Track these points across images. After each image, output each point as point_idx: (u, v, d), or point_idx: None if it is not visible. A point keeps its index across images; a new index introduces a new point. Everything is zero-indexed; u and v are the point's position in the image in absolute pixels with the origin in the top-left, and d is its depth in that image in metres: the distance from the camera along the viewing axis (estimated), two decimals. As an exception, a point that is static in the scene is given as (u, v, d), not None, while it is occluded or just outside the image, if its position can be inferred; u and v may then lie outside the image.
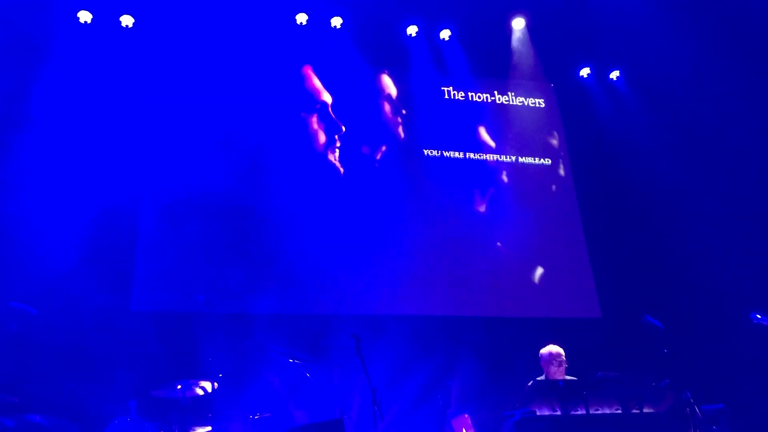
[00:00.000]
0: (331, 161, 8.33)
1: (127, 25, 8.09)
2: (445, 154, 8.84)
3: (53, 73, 7.61)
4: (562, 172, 9.24)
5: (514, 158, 9.09)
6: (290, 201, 7.98)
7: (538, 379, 6.36)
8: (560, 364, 6.28)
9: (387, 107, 8.85)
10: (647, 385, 5.15)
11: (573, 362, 6.50)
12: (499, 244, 8.53)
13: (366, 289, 7.85)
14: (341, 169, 8.32)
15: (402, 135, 8.78)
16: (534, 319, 8.08)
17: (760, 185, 8.28)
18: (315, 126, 8.44)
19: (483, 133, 9.14)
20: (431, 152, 8.81)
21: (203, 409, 5.84)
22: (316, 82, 8.64)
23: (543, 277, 8.50)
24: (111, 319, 6.86)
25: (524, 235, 8.66)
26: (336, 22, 8.70)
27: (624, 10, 8.50)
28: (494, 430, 5.86)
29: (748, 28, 8.30)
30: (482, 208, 8.69)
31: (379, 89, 8.91)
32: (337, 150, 8.38)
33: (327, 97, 8.57)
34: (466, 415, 6.28)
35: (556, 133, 9.47)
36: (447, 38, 9.16)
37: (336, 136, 8.41)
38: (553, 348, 6.40)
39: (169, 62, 8.16)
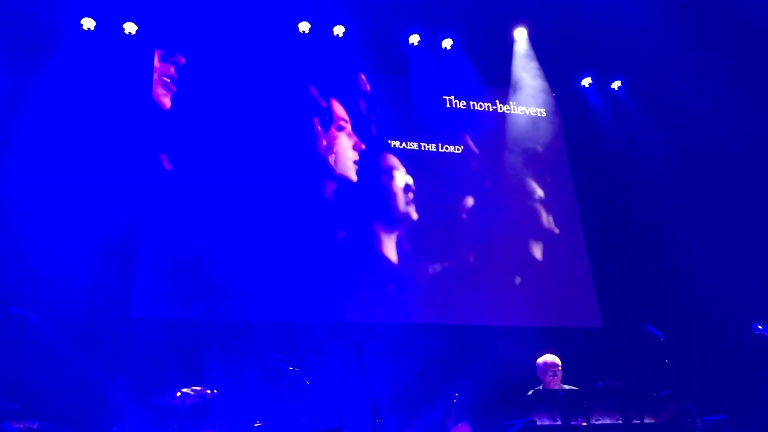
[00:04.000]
0: (329, 169, 8.33)
1: (130, 32, 8.12)
2: (446, 159, 8.85)
3: (56, 79, 7.63)
4: (563, 181, 9.24)
5: (515, 167, 9.09)
6: (292, 209, 7.98)
7: (538, 388, 6.35)
8: (555, 374, 6.29)
9: (363, 105, 8.85)
10: (648, 396, 5.14)
11: (574, 372, 6.49)
12: (498, 252, 8.54)
13: (367, 298, 7.84)
14: (355, 179, 8.33)
15: (396, 141, 8.79)
16: (535, 329, 8.05)
17: (762, 195, 8.28)
18: (315, 134, 8.44)
19: (484, 141, 9.14)
20: (432, 150, 8.82)
21: (202, 417, 5.83)
22: (317, 90, 8.65)
23: (544, 286, 8.48)
24: (110, 325, 6.85)
25: (525, 244, 8.66)
26: (338, 30, 8.73)
27: (625, 21, 8.52)
28: (494, 440, 5.84)
29: (749, 38, 8.32)
30: (482, 218, 8.68)
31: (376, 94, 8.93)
32: (356, 165, 8.38)
33: (326, 104, 8.58)
34: (466, 424, 6.26)
35: (557, 143, 9.48)
36: (449, 47, 9.19)
37: (332, 143, 8.42)
38: (548, 358, 6.40)
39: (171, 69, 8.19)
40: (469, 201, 8.73)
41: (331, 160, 8.36)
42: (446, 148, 8.89)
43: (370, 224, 8.21)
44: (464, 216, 8.64)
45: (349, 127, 8.55)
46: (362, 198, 8.29)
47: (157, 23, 8.17)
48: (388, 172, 8.55)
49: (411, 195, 8.48)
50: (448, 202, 8.65)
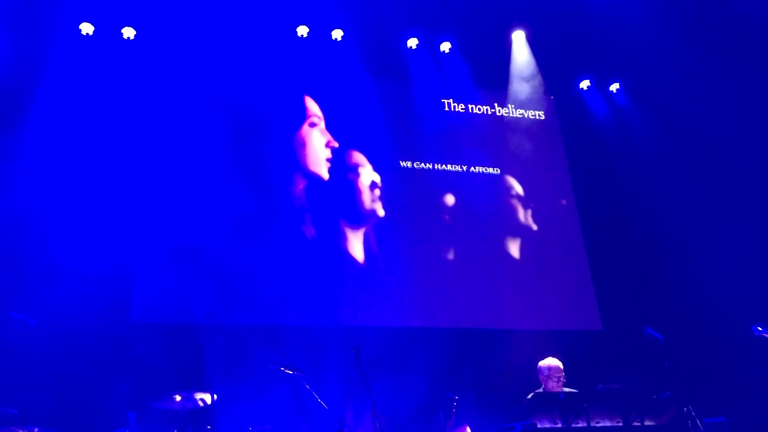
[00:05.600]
0: (323, 174, 8.30)
1: (128, 37, 8.13)
2: (446, 166, 8.86)
3: (55, 85, 7.63)
4: (562, 183, 9.24)
5: (514, 170, 9.10)
6: (291, 213, 7.98)
7: (538, 391, 6.33)
8: (559, 379, 6.26)
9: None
10: (648, 398, 5.14)
11: (574, 374, 6.48)
12: (499, 256, 8.54)
13: (367, 301, 7.84)
14: (327, 177, 8.28)
15: (399, 148, 8.80)
16: (535, 332, 8.05)
17: (761, 197, 8.28)
18: (313, 139, 8.43)
19: (483, 145, 9.14)
20: (433, 166, 8.83)
21: (202, 421, 5.82)
22: (315, 95, 8.65)
23: (544, 289, 8.48)
24: (110, 330, 6.84)
25: (526, 247, 8.66)
26: (337, 34, 8.74)
27: (624, 23, 8.54)
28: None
29: (747, 40, 8.32)
30: (483, 221, 8.68)
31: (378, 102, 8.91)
32: (328, 163, 8.35)
33: (323, 111, 8.57)
34: (467, 427, 6.26)
35: (556, 145, 9.49)
36: (447, 51, 9.21)
37: (327, 151, 8.39)
38: (552, 362, 6.36)
39: (170, 74, 8.19)
40: (450, 199, 8.69)
41: (301, 156, 8.33)
42: (442, 158, 8.91)
43: (336, 222, 8.19)
44: (468, 222, 8.62)
45: (322, 124, 8.50)
46: (332, 196, 8.24)
47: (156, 28, 8.18)
48: (354, 170, 8.48)
49: (378, 192, 8.41)
50: (453, 210, 8.64)
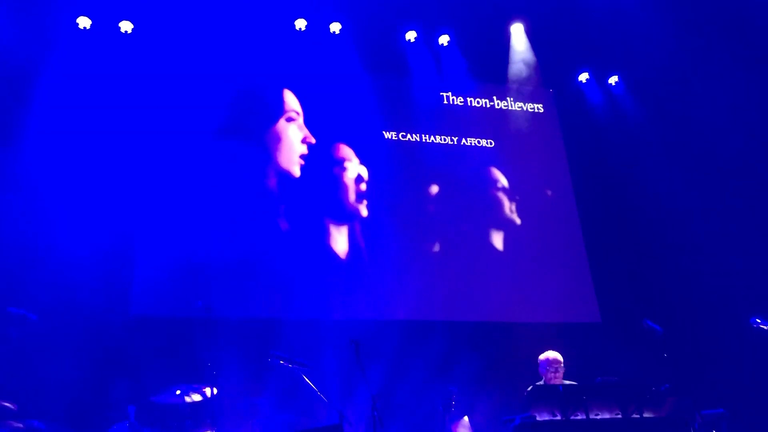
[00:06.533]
0: (294, 171, 8.25)
1: (126, 31, 8.10)
2: (444, 150, 8.87)
3: (52, 79, 7.61)
4: (560, 176, 9.24)
5: (513, 163, 9.09)
6: (287, 208, 7.98)
7: (538, 384, 6.35)
8: (557, 370, 6.27)
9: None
10: (647, 390, 5.15)
11: (573, 367, 6.50)
12: (497, 248, 8.55)
13: (365, 294, 7.84)
14: (298, 174, 8.23)
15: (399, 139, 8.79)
16: (534, 324, 8.07)
17: (760, 190, 8.29)
18: (289, 134, 8.37)
19: (481, 136, 9.14)
20: (420, 137, 8.83)
21: (202, 415, 5.83)
22: (307, 87, 8.60)
23: (542, 281, 8.48)
24: (110, 324, 6.85)
25: (524, 239, 8.67)
26: (335, 27, 8.72)
27: (623, 16, 8.53)
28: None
29: (748, 33, 8.31)
30: (480, 215, 8.68)
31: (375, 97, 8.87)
32: (301, 160, 8.29)
33: (315, 104, 8.54)
34: (466, 418, 6.28)
35: (554, 138, 9.48)
36: (446, 43, 9.18)
37: (306, 149, 8.34)
38: (551, 354, 6.39)
39: (168, 67, 8.17)
40: (434, 189, 8.67)
41: (275, 152, 8.26)
42: (435, 138, 8.89)
43: (367, 223, 8.18)
44: (464, 214, 8.61)
45: (300, 119, 8.41)
46: (313, 192, 8.17)
47: (154, 22, 8.15)
48: (340, 164, 8.43)
49: (363, 186, 8.35)
50: (450, 204, 8.63)
